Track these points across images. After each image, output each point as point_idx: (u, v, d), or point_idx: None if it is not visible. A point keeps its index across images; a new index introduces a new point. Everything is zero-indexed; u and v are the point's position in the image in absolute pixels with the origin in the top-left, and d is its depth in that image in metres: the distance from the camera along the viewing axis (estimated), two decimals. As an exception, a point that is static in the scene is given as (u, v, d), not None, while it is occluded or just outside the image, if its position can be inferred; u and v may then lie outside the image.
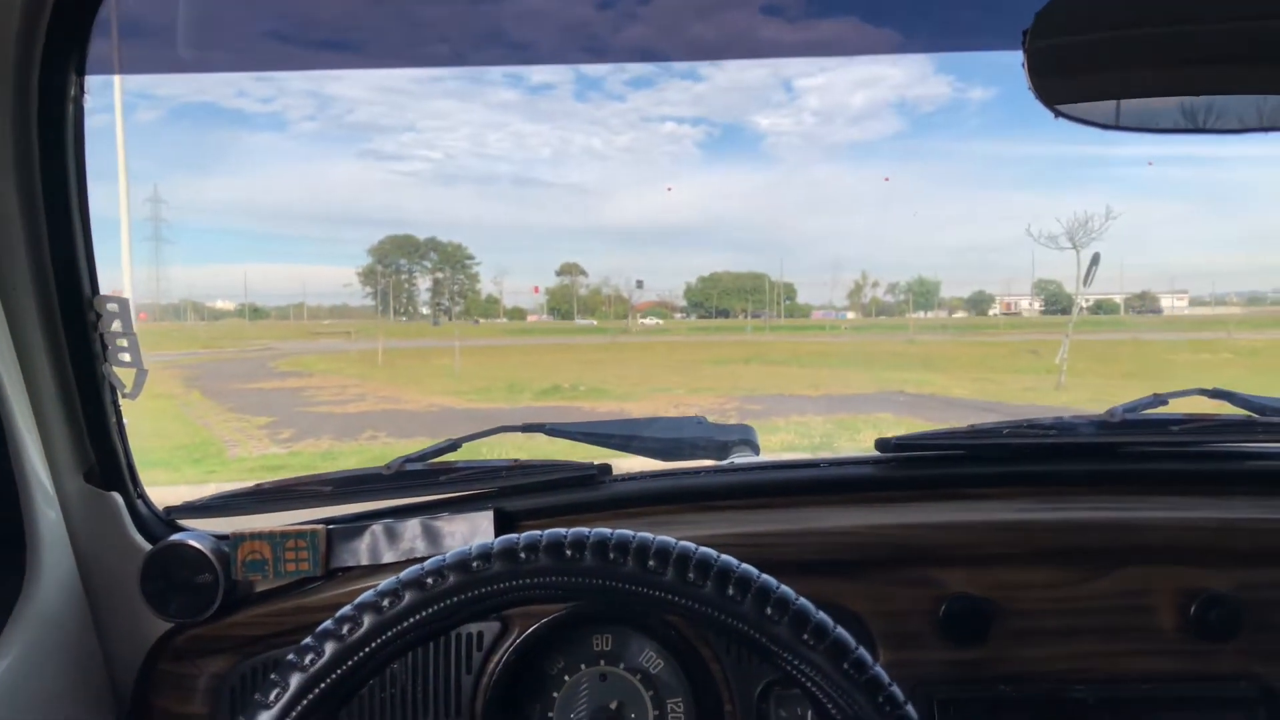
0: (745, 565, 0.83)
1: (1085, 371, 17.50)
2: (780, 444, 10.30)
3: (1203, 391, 1.47)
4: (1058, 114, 0.93)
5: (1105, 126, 0.95)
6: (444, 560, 0.83)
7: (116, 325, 1.25)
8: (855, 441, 10.70)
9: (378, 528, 1.30)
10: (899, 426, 11.21)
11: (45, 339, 1.22)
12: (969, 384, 16.54)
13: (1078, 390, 14.85)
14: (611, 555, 0.82)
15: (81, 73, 1.16)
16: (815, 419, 12.37)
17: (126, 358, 1.27)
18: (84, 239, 1.22)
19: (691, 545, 0.83)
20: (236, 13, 1.51)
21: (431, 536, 1.30)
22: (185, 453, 10.71)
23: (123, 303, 1.25)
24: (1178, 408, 1.44)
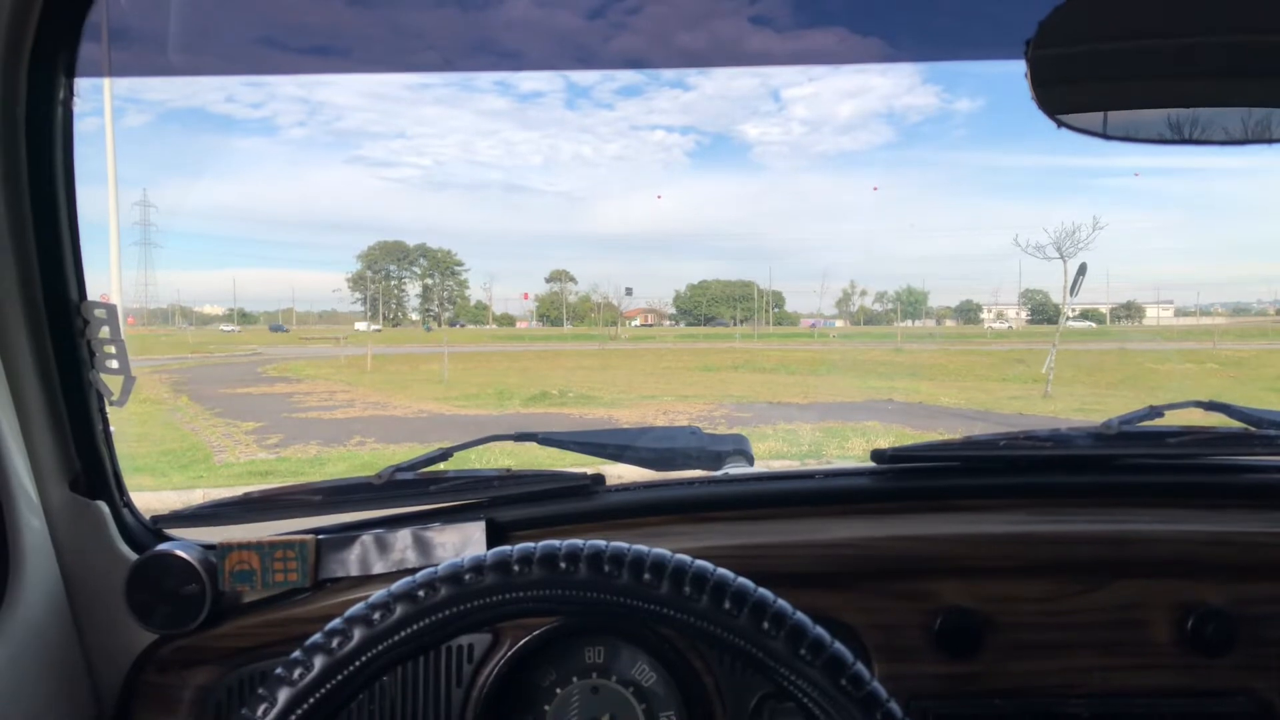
0: (741, 579, 0.81)
1: (1072, 381, 17.61)
2: (769, 451, 10.32)
3: (1198, 404, 1.46)
4: (1060, 124, 0.92)
5: (1107, 136, 0.94)
6: (435, 572, 0.81)
7: (104, 331, 1.23)
8: (844, 449, 10.72)
9: (368, 538, 1.29)
10: (887, 435, 11.25)
11: (31, 345, 1.20)
12: (957, 393, 16.61)
13: (1064, 399, 14.94)
14: (606, 568, 0.81)
15: (71, 74, 1.15)
16: (804, 427, 12.39)
17: (114, 364, 1.25)
18: (71, 243, 1.20)
19: (687, 558, 0.82)
20: (228, 17, 1.49)
21: (422, 547, 1.28)
22: (172, 458, 10.64)
23: (110, 309, 1.23)
24: (1173, 420, 1.44)
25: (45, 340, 1.21)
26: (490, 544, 1.27)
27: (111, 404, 1.27)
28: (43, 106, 1.13)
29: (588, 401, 15.47)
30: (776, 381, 19.30)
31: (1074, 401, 14.56)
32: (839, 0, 1.59)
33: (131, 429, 12.19)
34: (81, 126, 1.20)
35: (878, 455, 1.39)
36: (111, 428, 1.30)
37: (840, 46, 1.58)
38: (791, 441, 11.18)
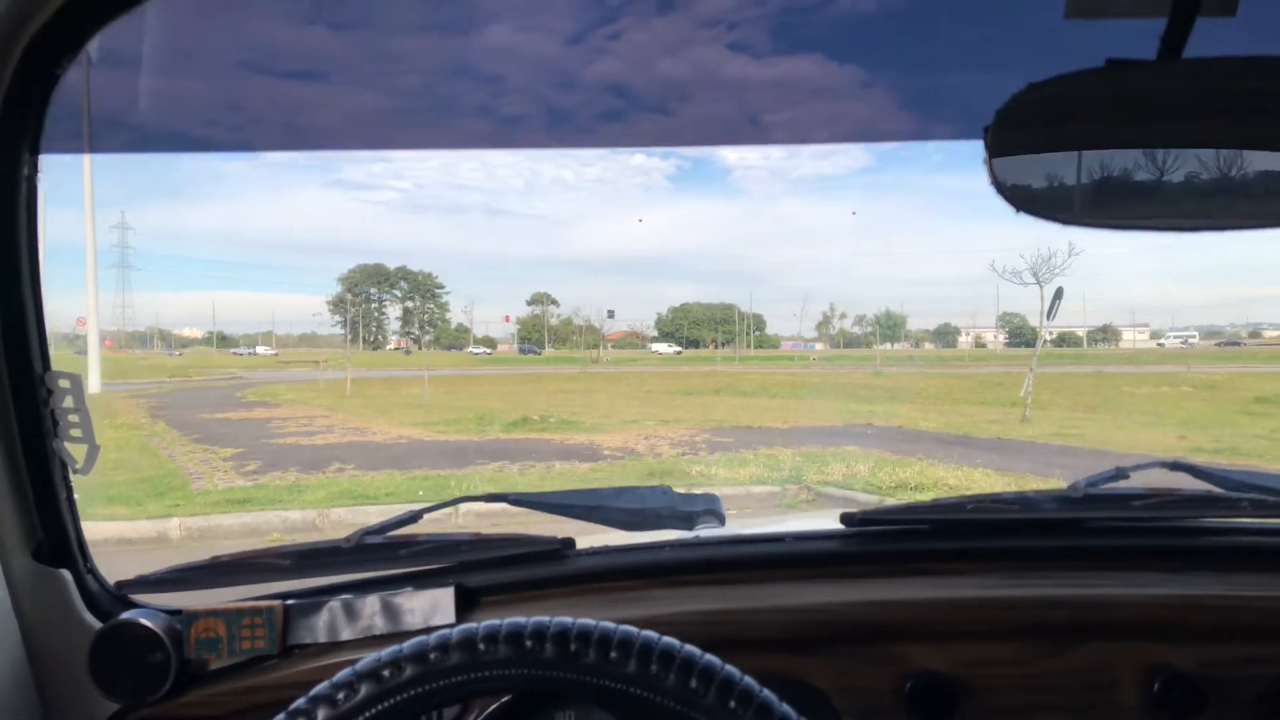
0: (709, 656, 0.82)
1: (1049, 404, 17.71)
2: (749, 476, 10.33)
3: (1164, 464, 1.48)
4: (1018, 210, 0.93)
5: (1067, 223, 0.95)
6: (401, 651, 0.81)
7: (68, 401, 1.22)
8: (824, 475, 10.72)
9: (336, 604, 1.28)
10: (867, 460, 11.26)
11: None
12: (935, 416, 16.66)
13: (1042, 423, 15.01)
14: (573, 647, 0.81)
15: (36, 151, 1.14)
16: (784, 452, 12.38)
17: (78, 433, 1.24)
18: (35, 315, 1.19)
19: (654, 635, 0.82)
20: (209, 41, 1.50)
21: (391, 613, 1.27)
22: (149, 486, 10.49)
23: (75, 379, 1.22)
24: (1139, 480, 1.45)
25: (9, 411, 1.20)
26: (459, 610, 1.26)
27: (75, 472, 1.26)
28: (6, 184, 1.13)
29: (569, 427, 15.40)
30: (757, 405, 19.31)
31: (1052, 425, 14.63)
32: (816, 29, 1.61)
33: (108, 455, 12.03)
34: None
35: (847, 519, 1.40)
36: (75, 495, 1.29)
37: (818, 71, 1.60)
38: (772, 467, 11.18)
